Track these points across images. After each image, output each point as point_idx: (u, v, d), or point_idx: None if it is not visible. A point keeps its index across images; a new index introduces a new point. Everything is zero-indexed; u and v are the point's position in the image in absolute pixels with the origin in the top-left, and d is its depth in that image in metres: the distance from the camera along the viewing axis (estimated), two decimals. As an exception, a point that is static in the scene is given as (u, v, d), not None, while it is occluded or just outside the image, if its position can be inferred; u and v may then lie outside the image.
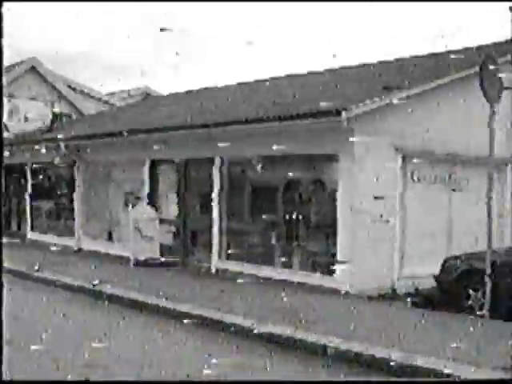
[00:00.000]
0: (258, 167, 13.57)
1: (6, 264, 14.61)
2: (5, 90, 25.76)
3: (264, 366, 6.91)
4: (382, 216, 11.50)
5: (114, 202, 17.77)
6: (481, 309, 9.51)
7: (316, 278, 12.00)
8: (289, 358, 7.36)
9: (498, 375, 6.14)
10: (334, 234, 11.72)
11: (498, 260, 9.61)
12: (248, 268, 13.35)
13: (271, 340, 8.02)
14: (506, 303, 9.36)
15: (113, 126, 18.64)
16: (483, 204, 9.78)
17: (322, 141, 11.84)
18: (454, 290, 10.27)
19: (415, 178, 12.32)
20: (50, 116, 23.34)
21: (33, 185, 21.24)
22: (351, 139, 11.31)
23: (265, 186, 13.88)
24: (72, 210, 18.91)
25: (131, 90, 30.35)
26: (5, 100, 24.19)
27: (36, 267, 13.87)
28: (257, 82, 19.16)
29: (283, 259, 13.08)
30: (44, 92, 26.02)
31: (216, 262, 14.14)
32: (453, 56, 14.50)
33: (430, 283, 10.89)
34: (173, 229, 15.76)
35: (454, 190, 12.60)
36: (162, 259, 15.19)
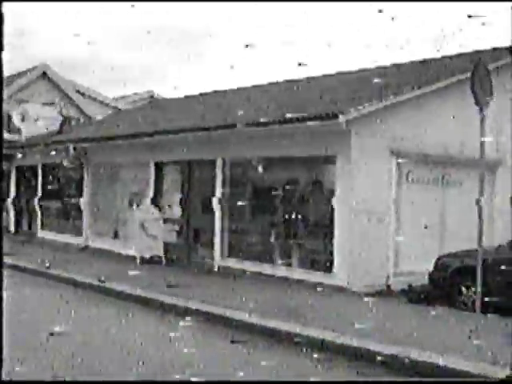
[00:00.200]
0: (259, 168, 13.58)
1: (17, 262, 14.76)
2: (16, 95, 25.87)
3: (262, 358, 6.93)
4: (377, 215, 11.52)
5: (120, 202, 17.78)
6: (472, 304, 9.50)
7: (314, 275, 12.00)
8: (287, 351, 7.36)
9: (484, 367, 6.14)
10: (332, 232, 11.72)
11: (488, 258, 9.60)
12: (249, 265, 13.36)
13: (270, 334, 8.01)
14: (496, 299, 9.35)
15: (119, 129, 18.66)
16: (475, 204, 9.76)
17: (321, 143, 11.84)
18: (447, 286, 10.27)
19: (410, 179, 12.32)
20: (60, 120, 23.35)
21: (43, 185, 21.26)
22: (348, 142, 11.33)
23: (265, 187, 13.89)
24: (80, 209, 18.93)
25: (136, 94, 30.38)
26: (17, 104, 24.27)
27: (46, 264, 13.88)
28: (257, 86, 19.16)
29: (283, 257, 13.09)
30: (54, 97, 26.07)
31: (218, 260, 14.15)
32: (447, 61, 14.54)
33: (424, 280, 10.89)
34: (176, 228, 15.77)
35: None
36: (166, 257, 15.20)
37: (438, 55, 15.58)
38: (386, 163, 11.83)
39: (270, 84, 18.82)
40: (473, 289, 9.56)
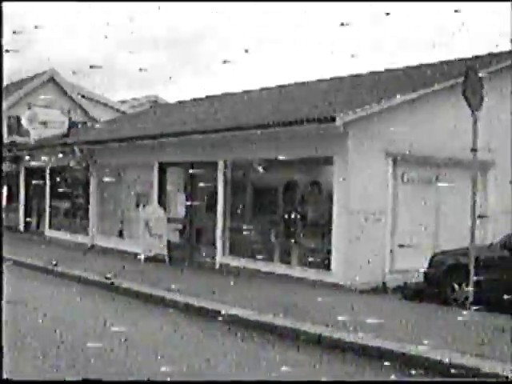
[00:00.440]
0: (259, 170, 13.60)
1: (26, 260, 14.80)
2: (25, 99, 25.92)
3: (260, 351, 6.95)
4: (373, 215, 11.54)
5: (125, 202, 17.81)
6: (465, 301, 9.52)
7: (312, 273, 12.01)
8: (285, 346, 7.38)
9: (474, 361, 6.16)
10: (330, 231, 11.73)
11: (480, 256, 9.63)
12: (249, 264, 13.37)
13: (269, 329, 8.02)
14: (487, 295, 9.37)
15: (124, 131, 18.69)
16: (468, 204, 9.79)
17: (319, 145, 11.85)
18: (441, 283, 10.27)
19: (405, 180, 12.33)
20: (67, 123, 23.38)
21: (51, 186, 21.28)
22: (345, 144, 11.34)
23: (265, 188, 13.91)
24: (86, 209, 18.95)
25: (141, 98, 30.43)
26: (25, 107, 24.30)
27: (54, 262, 13.90)
28: (257, 90, 19.18)
29: (282, 255, 13.11)
30: (61, 101, 26.12)
31: (220, 258, 14.16)
32: (440, 67, 14.56)
33: (419, 278, 10.90)
34: (180, 227, 15.78)
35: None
36: (170, 255, 15.21)
37: (435, 57, 15.58)
38: (382, 164, 11.85)
39: (270, 88, 18.83)
40: (465, 286, 9.59)
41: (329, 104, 13.28)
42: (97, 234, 18.49)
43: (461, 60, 14.18)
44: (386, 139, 11.84)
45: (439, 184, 12.69)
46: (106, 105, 29.19)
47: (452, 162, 12.55)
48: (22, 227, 23.00)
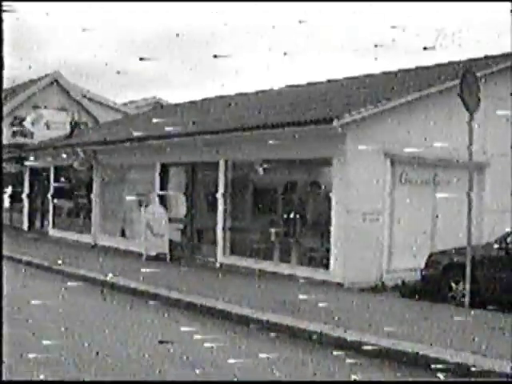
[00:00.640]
0: (260, 170, 13.59)
1: (30, 258, 14.80)
2: (30, 101, 25.93)
3: (259, 347, 6.95)
4: (372, 215, 11.55)
5: (127, 202, 17.80)
6: (461, 299, 9.53)
7: (312, 272, 12.01)
8: (285, 344, 7.37)
9: (471, 358, 6.15)
10: (329, 231, 11.72)
11: (477, 255, 9.64)
12: (250, 263, 13.37)
13: (269, 327, 8.01)
14: (484, 294, 9.37)
15: (126, 132, 18.67)
16: (464, 203, 9.79)
17: (318, 146, 11.86)
18: (438, 282, 10.27)
19: (402, 180, 12.33)
20: (70, 124, 23.38)
21: (54, 186, 21.29)
22: (344, 145, 11.34)
23: (265, 188, 13.91)
24: (89, 209, 18.96)
25: (143, 99, 30.44)
26: (30, 109, 24.32)
27: (59, 262, 13.89)
28: (258, 92, 19.19)
29: (282, 255, 13.10)
30: (65, 102, 26.13)
31: (220, 257, 14.15)
32: (438, 69, 14.56)
33: (417, 276, 10.90)
34: (181, 227, 15.78)
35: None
36: (171, 254, 15.21)
37: (434, 58, 15.57)
38: (380, 165, 11.84)
39: (270, 90, 18.84)
40: (462, 284, 9.59)
41: (327, 106, 13.29)
42: (99, 233, 18.49)
43: (458, 62, 14.19)
44: (384, 140, 11.84)
45: (436, 184, 12.70)
46: (108, 106, 29.19)
47: (449, 163, 12.55)
48: (26, 227, 23.00)
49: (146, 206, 15.82)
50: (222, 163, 14.21)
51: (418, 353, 6.44)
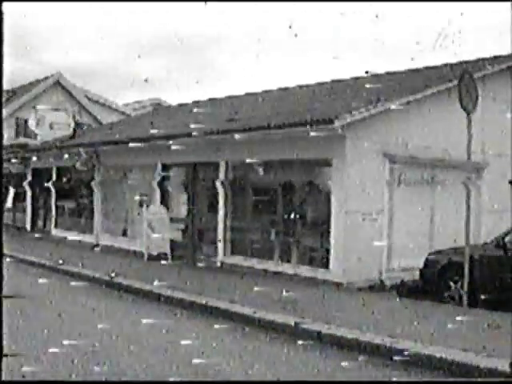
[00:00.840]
0: (260, 170, 13.58)
1: (33, 258, 14.79)
2: (33, 102, 25.95)
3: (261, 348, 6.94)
4: (371, 215, 11.55)
5: (129, 202, 17.81)
6: (460, 298, 9.52)
7: (312, 271, 12.01)
8: (285, 342, 7.36)
9: (464, 356, 6.14)
10: (328, 231, 11.72)
11: (475, 255, 9.63)
12: (250, 262, 13.36)
13: (268, 326, 8.00)
14: (482, 293, 9.35)
15: (128, 133, 18.67)
16: (462, 204, 9.78)
17: (318, 146, 11.84)
18: (436, 281, 10.26)
19: (401, 181, 12.32)
20: (73, 125, 23.39)
21: (57, 186, 21.29)
22: (344, 145, 11.34)
23: (265, 188, 13.90)
24: (91, 209, 18.95)
25: (144, 100, 30.44)
26: (32, 110, 24.32)
27: (60, 261, 13.89)
28: (258, 93, 19.17)
29: (282, 254, 13.09)
30: (67, 103, 26.15)
31: (221, 257, 14.15)
32: (436, 70, 14.56)
33: (415, 276, 10.89)
34: (182, 227, 15.78)
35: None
36: (172, 254, 15.21)
37: (434, 59, 15.56)
38: (379, 165, 11.84)
39: (270, 90, 18.84)
40: (460, 284, 9.58)
41: (328, 106, 13.27)
42: (101, 233, 18.49)
43: (456, 64, 14.18)
44: (383, 141, 11.84)
45: (435, 184, 12.69)
46: (110, 107, 29.21)
47: (447, 164, 12.54)
48: (28, 227, 23.00)
49: (147, 206, 15.82)
50: (222, 163, 14.20)
51: (417, 352, 6.43)
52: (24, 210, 23.43)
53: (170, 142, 15.12)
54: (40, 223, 22.67)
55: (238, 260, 13.71)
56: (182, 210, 15.92)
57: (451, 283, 9.94)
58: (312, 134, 11.63)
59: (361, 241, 11.39)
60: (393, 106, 11.72)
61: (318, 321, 7.86)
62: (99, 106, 28.79)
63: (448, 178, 12.67)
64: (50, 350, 6.34)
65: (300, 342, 7.19)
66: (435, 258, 10.59)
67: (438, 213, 12.58)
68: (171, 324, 8.29)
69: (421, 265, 10.71)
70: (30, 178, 23.13)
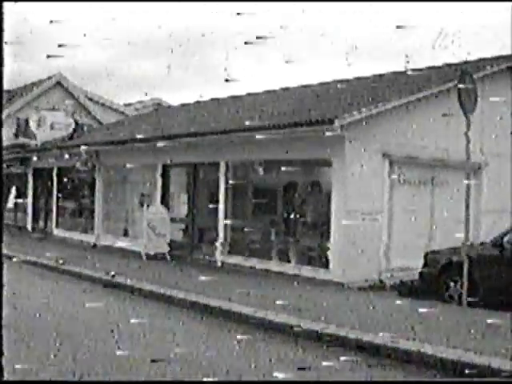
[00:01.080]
0: (260, 171, 13.59)
1: (35, 258, 14.80)
2: (34, 102, 25.95)
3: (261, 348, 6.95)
4: (370, 215, 11.55)
5: (129, 202, 17.81)
6: (459, 298, 9.52)
7: (311, 271, 12.01)
8: (285, 342, 7.37)
9: (463, 355, 6.15)
10: (328, 231, 11.72)
11: (474, 254, 9.63)
12: (250, 262, 13.37)
13: (268, 326, 8.00)
14: (481, 293, 9.35)
15: (128, 134, 18.68)
16: (461, 204, 9.78)
17: (317, 147, 11.85)
18: (436, 281, 10.26)
19: (401, 181, 12.33)
20: (73, 125, 23.40)
21: (58, 187, 21.29)
22: (343, 145, 11.34)
23: (265, 188, 13.90)
24: (92, 209, 18.96)
25: (145, 101, 30.43)
26: (33, 111, 24.33)
27: (61, 261, 13.89)
28: (258, 93, 19.18)
29: (282, 254, 13.10)
30: (68, 104, 26.14)
31: (221, 257, 14.15)
32: (435, 71, 14.55)
33: (415, 275, 10.89)
34: (182, 226, 15.78)
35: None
36: (173, 254, 15.21)
37: (434, 60, 15.57)
38: (379, 165, 11.84)
39: (270, 91, 18.84)
40: (459, 283, 9.58)
41: (327, 107, 13.28)
42: (102, 233, 18.49)
43: (455, 64, 14.19)
44: (383, 141, 11.84)
45: (434, 184, 12.70)
46: (111, 108, 29.20)
47: (446, 163, 12.55)
48: (29, 227, 23.00)
49: (147, 206, 15.83)
50: (222, 164, 14.21)
51: (415, 351, 6.43)
52: (25, 210, 23.44)
53: (171, 142, 15.13)
54: (41, 223, 22.68)
55: (238, 260, 13.71)
56: (183, 210, 15.92)
57: (450, 283, 9.94)
58: (312, 134, 11.65)
59: (360, 241, 11.39)
60: (393, 106, 11.73)
61: (317, 321, 7.86)
62: (99, 106, 28.78)
63: (447, 178, 12.68)
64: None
65: (300, 342, 7.21)
66: (434, 257, 10.58)
67: (438, 212, 12.58)
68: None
69: (420, 265, 10.71)
70: (30, 178, 23.14)
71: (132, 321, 8.22)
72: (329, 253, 11.68)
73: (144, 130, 18.71)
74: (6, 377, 4.62)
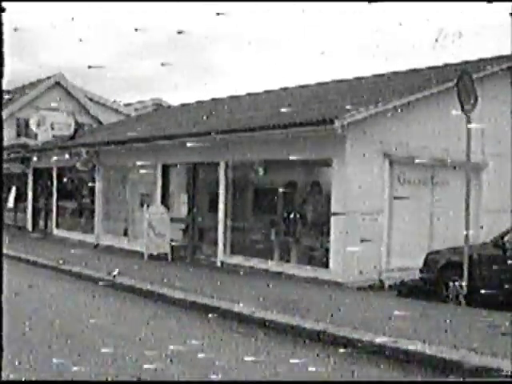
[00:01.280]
0: (260, 171, 13.59)
1: (36, 258, 14.81)
2: (33, 102, 25.96)
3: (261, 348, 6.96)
4: (371, 215, 11.55)
5: (129, 202, 17.82)
6: (459, 298, 9.52)
7: (311, 271, 12.01)
8: (285, 342, 7.38)
9: (462, 355, 6.15)
10: (328, 231, 11.72)
11: (474, 254, 9.64)
12: (250, 262, 13.37)
13: (269, 326, 8.01)
14: (481, 293, 9.36)
15: (129, 133, 18.69)
16: (462, 204, 9.79)
17: (318, 147, 11.86)
18: (436, 281, 10.27)
19: (401, 181, 12.33)
20: (73, 125, 23.42)
21: (58, 187, 21.30)
22: (343, 145, 11.35)
23: (266, 188, 13.91)
24: (92, 209, 18.97)
25: (145, 101, 30.46)
26: (33, 111, 24.35)
27: (61, 261, 13.90)
28: (259, 93, 19.19)
29: (282, 254, 13.11)
30: (68, 104, 26.18)
31: (221, 257, 14.16)
32: (436, 70, 14.56)
33: (415, 275, 10.90)
34: (182, 226, 15.78)
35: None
36: (173, 254, 15.22)
37: (434, 60, 15.59)
38: (379, 165, 11.84)
39: (270, 91, 18.85)
40: (459, 283, 9.59)
41: (328, 107, 13.28)
42: (102, 233, 18.50)
43: (456, 64, 14.19)
44: (383, 141, 11.84)
45: (434, 184, 12.70)
46: (110, 108, 29.23)
47: (446, 163, 12.55)
48: (30, 227, 23.02)
49: (147, 206, 15.84)
50: (222, 164, 14.21)
51: (415, 351, 6.44)
52: (25, 210, 23.45)
53: (170, 142, 15.14)
54: (41, 223, 22.69)
55: (238, 260, 13.72)
56: (183, 210, 15.93)
57: (450, 283, 9.94)
58: (312, 134, 11.65)
59: (361, 240, 11.38)
60: (393, 106, 11.73)
61: (317, 321, 7.87)
62: (99, 106, 28.81)
63: (447, 178, 12.69)
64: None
65: (300, 342, 7.21)
66: (434, 257, 10.59)
67: (438, 213, 12.58)
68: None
69: (420, 265, 10.72)
70: (30, 178, 23.15)
71: (131, 320, 8.23)
72: (329, 253, 11.68)
73: (144, 130, 18.73)
74: (5, 377, 4.63)
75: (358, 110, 11.26)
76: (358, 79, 16.66)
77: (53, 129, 23.30)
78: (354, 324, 7.62)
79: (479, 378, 5.83)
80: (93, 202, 18.98)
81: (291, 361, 6.45)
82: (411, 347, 6.54)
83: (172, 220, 15.51)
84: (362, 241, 11.37)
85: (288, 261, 12.88)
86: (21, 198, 23.90)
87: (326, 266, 11.71)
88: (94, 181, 18.90)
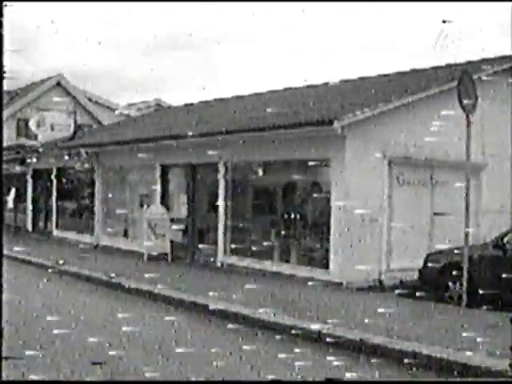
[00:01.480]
0: (259, 171, 13.57)
1: (35, 259, 14.80)
2: (34, 103, 25.98)
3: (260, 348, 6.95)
4: (370, 215, 11.54)
5: (129, 203, 17.81)
6: (458, 299, 9.51)
7: (311, 272, 12.00)
8: (285, 342, 7.36)
9: (462, 355, 6.14)
10: (328, 231, 11.71)
11: (474, 255, 9.62)
12: (250, 262, 13.36)
13: (268, 326, 8.00)
14: (481, 293, 9.34)
15: (128, 134, 18.68)
16: (461, 204, 9.78)
17: (317, 147, 11.85)
18: (435, 282, 10.25)
19: (400, 181, 12.32)
20: (73, 126, 23.42)
21: (57, 187, 21.30)
22: (343, 146, 11.34)
23: (265, 188, 13.89)
24: (92, 209, 18.96)
25: (145, 102, 30.45)
26: (33, 111, 24.37)
27: (61, 261, 13.89)
28: (257, 94, 19.18)
29: (282, 254, 13.09)
30: (68, 105, 26.19)
31: (221, 257, 14.15)
32: (436, 71, 14.56)
33: (414, 276, 10.88)
34: (182, 227, 15.77)
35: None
36: (173, 254, 15.21)
37: (433, 60, 15.60)
38: (379, 166, 11.83)
39: (270, 92, 18.84)
40: (459, 284, 9.58)
41: (327, 107, 13.27)
42: (102, 233, 18.49)
43: (456, 64, 14.17)
44: (383, 142, 11.83)
45: (434, 185, 12.68)
46: (111, 108, 29.24)
47: (446, 164, 12.54)
48: (29, 227, 23.01)
49: (147, 207, 15.83)
50: (222, 164, 14.20)
51: (414, 351, 6.43)
52: (25, 211, 23.45)
53: (169, 142, 15.13)
54: (41, 224, 22.69)
55: (237, 260, 13.71)
56: (182, 211, 15.92)
57: (450, 283, 9.93)
58: (312, 134, 11.64)
59: (360, 241, 11.37)
60: (393, 107, 11.72)
61: (317, 321, 7.86)
62: (99, 107, 28.82)
63: (447, 178, 12.67)
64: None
65: (299, 342, 7.20)
66: (434, 258, 10.58)
67: (438, 213, 12.55)
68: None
69: (420, 265, 10.70)
70: (30, 178, 23.15)
71: (130, 320, 8.22)
72: (328, 253, 11.67)
73: (144, 130, 18.73)
74: (5, 377, 4.63)
75: (358, 111, 11.25)
76: (361, 79, 16.65)
77: (52, 129, 23.31)
78: (352, 324, 7.62)
79: (479, 378, 5.82)
80: (92, 202, 18.97)
81: (289, 360, 6.45)
82: (410, 347, 6.53)
83: (172, 220, 15.50)
84: (362, 241, 11.38)
85: (288, 261, 12.86)
86: (20, 198, 23.90)
87: (326, 266, 11.70)
88: (93, 181, 18.89)
